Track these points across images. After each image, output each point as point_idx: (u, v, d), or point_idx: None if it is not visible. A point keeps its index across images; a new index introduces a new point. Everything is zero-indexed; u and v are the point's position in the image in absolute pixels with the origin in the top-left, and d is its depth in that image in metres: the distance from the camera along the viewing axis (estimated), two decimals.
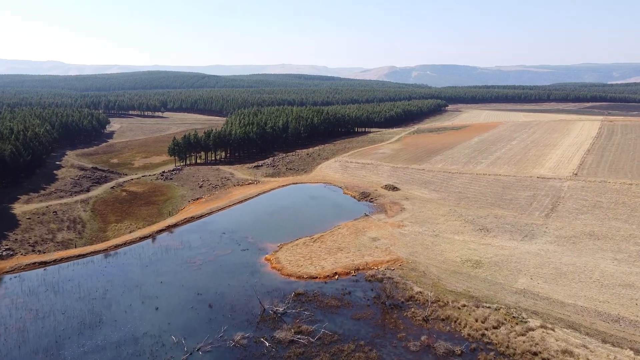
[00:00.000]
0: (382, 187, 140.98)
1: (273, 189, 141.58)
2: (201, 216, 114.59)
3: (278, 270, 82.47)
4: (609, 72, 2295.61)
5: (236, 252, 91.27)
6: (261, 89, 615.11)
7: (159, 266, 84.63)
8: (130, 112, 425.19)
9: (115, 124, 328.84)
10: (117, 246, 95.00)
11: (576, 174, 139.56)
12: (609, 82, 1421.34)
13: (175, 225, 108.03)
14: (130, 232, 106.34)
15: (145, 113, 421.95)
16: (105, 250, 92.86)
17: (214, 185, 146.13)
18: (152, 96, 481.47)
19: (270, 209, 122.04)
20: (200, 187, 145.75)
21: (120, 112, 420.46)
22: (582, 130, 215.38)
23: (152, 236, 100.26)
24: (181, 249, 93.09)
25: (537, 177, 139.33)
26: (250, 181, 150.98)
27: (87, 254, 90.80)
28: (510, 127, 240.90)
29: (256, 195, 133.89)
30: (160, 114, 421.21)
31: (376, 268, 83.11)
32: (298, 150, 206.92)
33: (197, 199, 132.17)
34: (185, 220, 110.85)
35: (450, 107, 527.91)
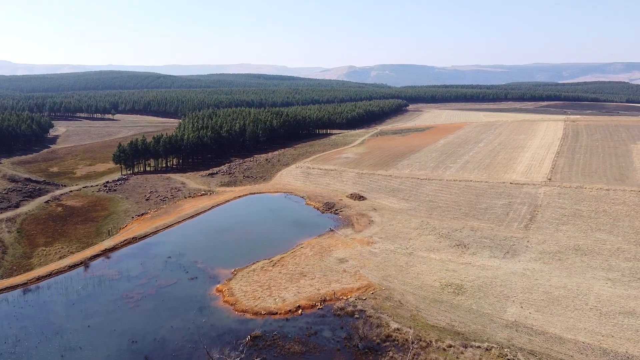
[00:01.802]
0: (347, 196, 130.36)
1: (228, 201, 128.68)
2: (145, 236, 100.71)
3: (231, 305, 70.17)
4: (559, 71, 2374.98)
5: (183, 282, 78.37)
6: (219, 90, 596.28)
7: (89, 304, 70.88)
8: (79, 115, 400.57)
9: (60, 128, 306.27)
10: (39, 278, 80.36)
11: (550, 179, 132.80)
12: (560, 82, 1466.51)
13: (114, 248, 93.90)
14: (60, 257, 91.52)
15: (95, 115, 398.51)
16: (24, 284, 78.16)
17: (162, 198, 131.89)
18: (103, 97, 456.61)
19: (224, 226, 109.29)
20: (147, 199, 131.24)
21: (67, 114, 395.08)
22: (548, 131, 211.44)
23: (85, 263, 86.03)
24: (117, 280, 79.38)
25: (511, 183, 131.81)
26: (204, 192, 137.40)
27: (0, 290, 75.96)
28: (476, 129, 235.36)
29: (209, 209, 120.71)
30: (110, 116, 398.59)
31: (345, 298, 72.01)
32: (256, 156, 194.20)
33: (143, 214, 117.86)
34: (125, 242, 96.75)
35: (411, 106, 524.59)
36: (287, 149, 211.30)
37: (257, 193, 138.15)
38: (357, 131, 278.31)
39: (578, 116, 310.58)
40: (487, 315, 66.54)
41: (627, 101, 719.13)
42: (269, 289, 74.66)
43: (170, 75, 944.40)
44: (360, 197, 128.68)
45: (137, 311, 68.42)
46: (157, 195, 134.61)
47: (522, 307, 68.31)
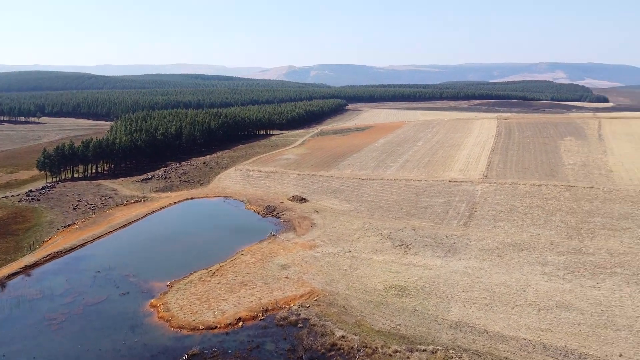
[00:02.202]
0: (288, 199, 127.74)
1: (164, 207, 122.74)
2: (71, 249, 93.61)
3: (167, 321, 65.77)
4: (490, 71, 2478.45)
5: (113, 299, 72.92)
6: (155, 90, 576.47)
7: (4, 330, 64.28)
8: (0, 119, 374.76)
9: None
10: None
11: (487, 176, 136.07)
12: (491, 81, 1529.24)
13: (36, 264, 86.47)
14: None
15: (18, 119, 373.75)
16: None
17: (91, 207, 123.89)
18: (27, 99, 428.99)
19: (159, 235, 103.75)
20: (74, 209, 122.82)
21: None
22: (482, 129, 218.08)
23: (1, 283, 78.47)
24: (39, 300, 72.80)
25: (449, 181, 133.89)
26: (137, 199, 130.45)
27: None
28: (414, 127, 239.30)
29: (143, 217, 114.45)
30: (36, 119, 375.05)
31: (288, 307, 69.37)
32: (194, 159, 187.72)
33: (69, 225, 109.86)
34: (49, 257, 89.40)
35: (350, 106, 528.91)
36: (226, 151, 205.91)
37: (195, 198, 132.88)
38: (298, 131, 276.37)
39: (509, 114, 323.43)
40: (431, 316, 65.99)
41: (552, 99, 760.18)
42: (207, 302, 70.81)
43: (102, 76, 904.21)
44: (302, 200, 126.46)
45: (61, 334, 62.65)
46: (85, 204, 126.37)
47: (465, 306, 68.33)
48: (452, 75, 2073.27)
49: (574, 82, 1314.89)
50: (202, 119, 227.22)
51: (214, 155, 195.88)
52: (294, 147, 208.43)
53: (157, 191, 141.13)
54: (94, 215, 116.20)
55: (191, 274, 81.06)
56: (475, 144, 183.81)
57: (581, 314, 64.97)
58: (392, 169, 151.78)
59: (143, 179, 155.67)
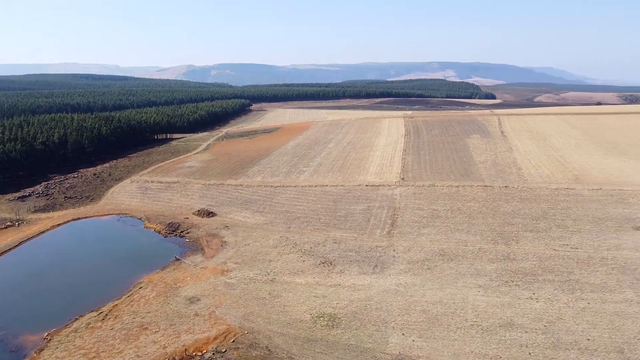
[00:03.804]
0: (194, 214, 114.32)
1: (44, 232, 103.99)
2: None
3: None
4: (387, 70, 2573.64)
5: None
6: (37, 92, 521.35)
7: None
8: None
9: None
10: None
11: (403, 179, 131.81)
12: (389, 79, 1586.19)
13: None
14: None
15: None
16: None
17: None
18: None
19: (36, 268, 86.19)
20: None
21: None
22: (391, 128, 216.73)
23: None
24: None
25: (366, 186, 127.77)
26: (10, 222, 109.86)
27: None
28: (323, 128, 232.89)
29: (16, 246, 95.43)
30: None
31: (200, 354, 57.65)
32: (82, 170, 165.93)
33: None
34: None
35: (254, 106, 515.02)
36: (120, 159, 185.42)
37: (83, 218, 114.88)
38: (201, 135, 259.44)
39: (415, 112, 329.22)
40: (368, 351, 57.69)
41: (447, 96, 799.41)
42: (97, 357, 56.96)
43: None
44: (210, 214, 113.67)
45: None
46: None
47: (403, 334, 60.82)
48: (352, 74, 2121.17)
49: (464, 80, 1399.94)
50: (91, 124, 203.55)
51: (106, 165, 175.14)
52: (198, 152, 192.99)
53: (36, 211, 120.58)
54: None
55: (77, 319, 66.24)
56: (387, 144, 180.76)
57: (526, 332, 60.00)
58: (306, 174, 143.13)
59: (19, 197, 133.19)
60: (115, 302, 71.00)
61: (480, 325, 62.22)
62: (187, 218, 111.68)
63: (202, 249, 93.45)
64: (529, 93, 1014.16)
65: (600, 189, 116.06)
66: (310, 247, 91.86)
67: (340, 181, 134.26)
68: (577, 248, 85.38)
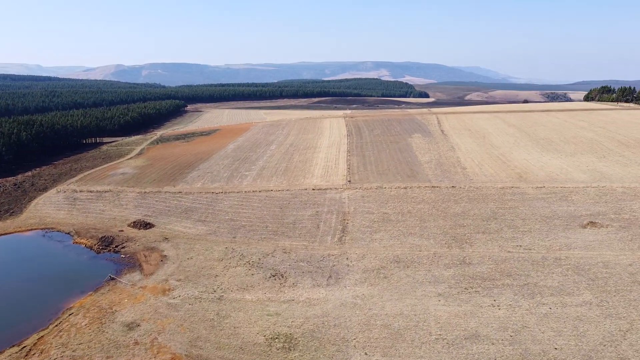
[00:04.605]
0: (129, 226, 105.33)
1: None
2: None
3: None
4: (322, 69, 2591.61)
5: None
6: None
7: None
8: None
9: None
10: None
11: (350, 181, 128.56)
12: (324, 79, 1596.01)
13: None
14: None
15: None
16: None
17: None
18: None
19: None
20: None
21: None
22: (332, 128, 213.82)
23: None
24: None
25: (313, 189, 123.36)
26: None
27: None
28: (263, 129, 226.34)
29: None
30: None
31: None
32: (0, 180, 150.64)
33: None
34: None
35: (190, 107, 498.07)
36: (44, 167, 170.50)
37: (2, 235, 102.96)
38: (133, 138, 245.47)
39: (354, 111, 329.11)
40: None
41: (382, 95, 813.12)
42: None
43: None
44: (147, 225, 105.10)
45: None
46: None
47: (366, 353, 56.76)
48: (287, 73, 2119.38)
49: (398, 80, 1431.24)
50: (9, 129, 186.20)
51: (28, 174, 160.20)
52: (131, 157, 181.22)
53: None
54: None
55: None
56: (330, 145, 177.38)
57: (492, 344, 57.55)
58: (249, 179, 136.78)
59: None
60: (41, 334, 62.44)
61: (445, 338, 59.20)
62: (122, 231, 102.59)
63: (140, 265, 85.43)
64: (460, 91, 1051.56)
65: (544, 187, 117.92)
66: (259, 259, 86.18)
67: (285, 185, 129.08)
68: (530, 249, 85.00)
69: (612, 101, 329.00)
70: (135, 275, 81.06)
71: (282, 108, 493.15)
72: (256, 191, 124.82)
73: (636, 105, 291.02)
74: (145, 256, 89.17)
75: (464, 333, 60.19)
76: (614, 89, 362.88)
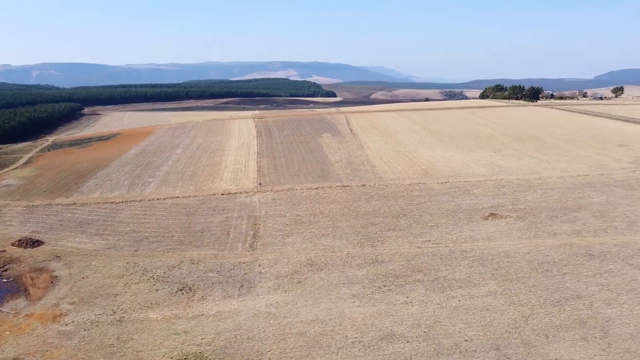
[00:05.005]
0: (14, 244, 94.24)
1: None
2: None
3: None
4: (229, 69, 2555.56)
5: None
6: None
7: None
8: None
9: None
10: None
11: (261, 184, 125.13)
12: (232, 79, 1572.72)
13: None
14: None
15: None
16: None
17: None
18: None
19: None
20: None
21: None
22: (242, 130, 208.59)
23: None
24: None
25: (222, 194, 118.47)
26: None
27: None
28: (168, 132, 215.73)
29: None
30: None
31: None
32: None
33: None
34: None
35: (87, 110, 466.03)
36: None
37: None
38: (21, 145, 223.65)
39: (263, 112, 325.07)
40: None
41: (291, 95, 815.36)
42: None
43: None
44: (35, 242, 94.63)
45: None
46: None
47: None
48: (193, 74, 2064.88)
49: (305, 79, 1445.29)
50: None
51: None
52: (17, 167, 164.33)
53: None
54: None
55: None
56: (239, 147, 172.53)
57: (407, 342, 57.17)
58: (152, 186, 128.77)
59: None
60: None
61: (361, 341, 57.97)
62: (5, 251, 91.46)
63: (26, 289, 76.24)
64: (365, 91, 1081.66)
65: (448, 181, 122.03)
66: (164, 272, 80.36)
67: (192, 191, 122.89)
68: (438, 243, 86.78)
69: (504, 98, 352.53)
70: (20, 302, 72.08)
71: (188, 109, 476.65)
72: (161, 199, 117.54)
73: (526, 102, 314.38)
74: (32, 279, 79.83)
75: (379, 333, 59.37)
76: (506, 87, 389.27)
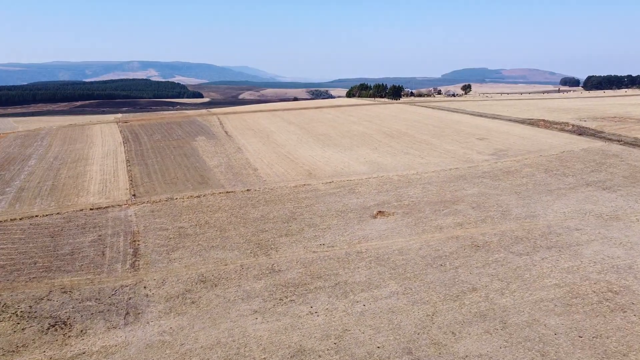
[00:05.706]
0: None
1: None
2: None
3: None
4: (82, 70, 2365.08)
5: None
6: None
7: None
8: None
9: None
10: None
11: (135, 195, 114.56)
12: (86, 80, 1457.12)
13: None
14: None
15: None
16: None
17: None
18: None
19: None
20: None
21: None
22: (105, 135, 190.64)
23: None
24: None
25: (91, 209, 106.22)
26: None
27: None
28: (16, 141, 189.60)
29: None
30: None
31: None
32: None
33: None
34: None
35: None
36: None
37: None
38: None
39: (127, 115, 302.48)
40: None
41: (154, 97, 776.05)
42: None
43: None
44: None
45: None
46: None
47: None
48: (39, 74, 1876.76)
49: (168, 80, 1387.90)
50: None
51: None
52: None
53: None
54: None
55: None
56: (105, 155, 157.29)
57: (320, 356, 54.90)
58: (3, 204, 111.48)
59: None
60: None
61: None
62: None
63: None
64: (233, 91, 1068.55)
65: (332, 181, 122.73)
66: (30, 306, 69.00)
67: (54, 208, 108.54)
68: (333, 246, 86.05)
69: (369, 97, 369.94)
70: None
71: (37, 114, 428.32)
72: (15, 219, 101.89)
73: (390, 100, 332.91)
74: None
75: (289, 351, 56.34)
76: (370, 86, 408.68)
